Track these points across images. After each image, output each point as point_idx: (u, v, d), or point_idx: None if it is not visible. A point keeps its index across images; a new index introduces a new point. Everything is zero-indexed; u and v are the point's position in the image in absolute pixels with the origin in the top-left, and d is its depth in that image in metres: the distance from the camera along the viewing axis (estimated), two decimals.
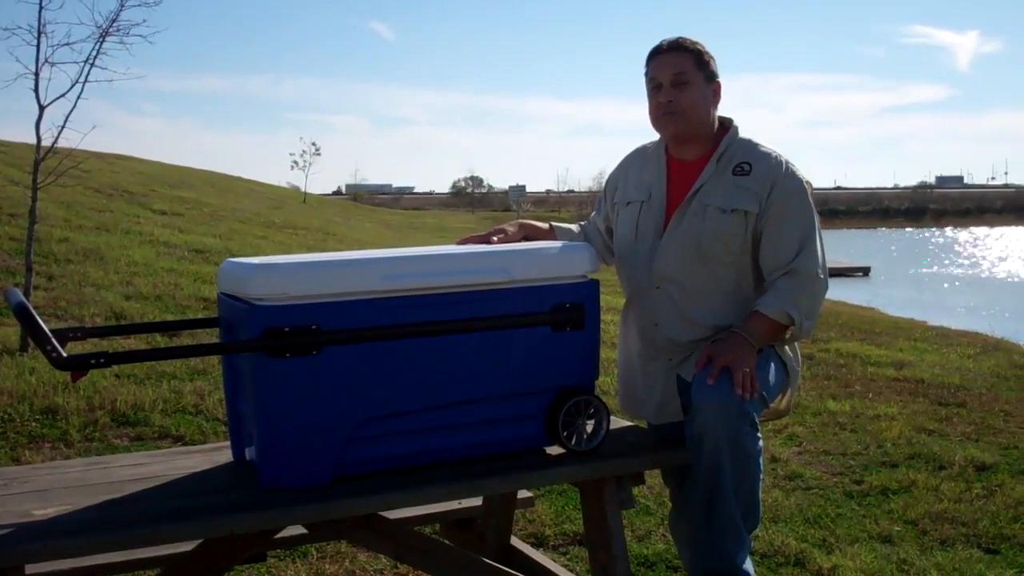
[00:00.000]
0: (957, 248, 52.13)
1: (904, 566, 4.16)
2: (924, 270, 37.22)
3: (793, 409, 3.43)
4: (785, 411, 3.37)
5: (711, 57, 3.25)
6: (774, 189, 3.15)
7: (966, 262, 42.61)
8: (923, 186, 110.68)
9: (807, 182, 3.23)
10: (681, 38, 3.24)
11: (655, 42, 3.28)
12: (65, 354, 2.45)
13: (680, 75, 3.18)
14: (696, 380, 3.02)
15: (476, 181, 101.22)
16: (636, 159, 3.45)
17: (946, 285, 30.79)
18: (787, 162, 3.21)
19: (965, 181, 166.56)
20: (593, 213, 3.63)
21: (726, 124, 3.30)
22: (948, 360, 9.52)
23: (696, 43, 3.24)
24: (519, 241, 3.26)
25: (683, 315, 3.20)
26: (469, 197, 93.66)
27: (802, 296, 3.11)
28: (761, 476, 3.10)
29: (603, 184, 3.62)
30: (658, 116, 3.25)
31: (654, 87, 3.24)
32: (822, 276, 3.16)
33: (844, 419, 6.66)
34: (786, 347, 3.24)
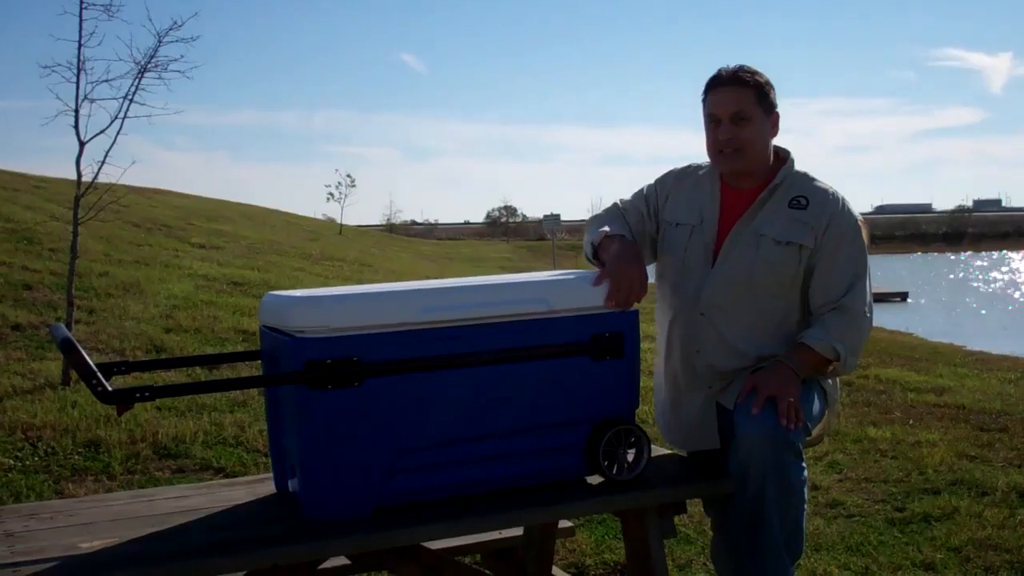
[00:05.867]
0: (996, 273, 51.65)
1: None
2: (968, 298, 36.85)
3: (827, 436, 3.39)
4: (819, 439, 3.36)
5: (771, 87, 3.22)
6: (830, 225, 3.15)
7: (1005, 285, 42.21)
8: (961, 210, 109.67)
9: (862, 220, 3.23)
10: (741, 70, 3.19)
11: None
12: (110, 388, 2.48)
13: (740, 112, 3.16)
14: (739, 409, 3.01)
15: (510, 211, 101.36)
16: (690, 178, 3.39)
17: (983, 311, 30.47)
18: (844, 199, 3.22)
19: (1003, 204, 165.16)
20: (630, 199, 3.45)
21: (782, 155, 3.29)
22: (989, 385, 9.42)
23: (756, 73, 3.20)
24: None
25: (726, 343, 3.19)
26: (504, 227, 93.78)
27: (848, 332, 3.11)
28: (805, 506, 3.08)
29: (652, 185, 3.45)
30: (715, 152, 3.23)
31: (712, 122, 3.21)
32: (868, 315, 3.17)
33: (885, 446, 6.60)
34: (827, 378, 3.24)
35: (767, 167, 3.25)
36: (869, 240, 3.28)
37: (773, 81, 3.23)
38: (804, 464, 3.02)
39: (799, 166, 3.28)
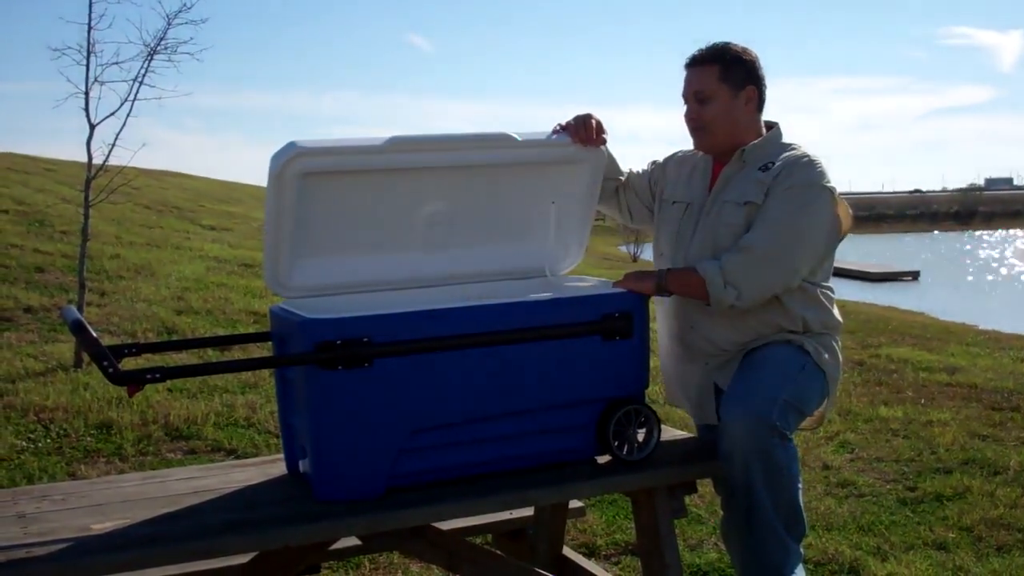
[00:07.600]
0: (1009, 252, 51.41)
1: (960, 573, 4.12)
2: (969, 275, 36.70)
3: (827, 420, 3.33)
4: (821, 420, 3.33)
5: (743, 62, 3.15)
6: (778, 176, 3.07)
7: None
8: (972, 188, 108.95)
9: (828, 187, 3.09)
10: (708, 48, 3.17)
11: (690, 50, 3.20)
12: (121, 369, 2.49)
13: (700, 92, 3.16)
14: (724, 397, 3.03)
15: None
16: (689, 161, 3.39)
17: (994, 286, 30.36)
18: (811, 159, 3.10)
19: (1015, 183, 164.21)
20: (640, 168, 3.53)
21: (772, 128, 3.27)
22: (1001, 364, 9.39)
23: (724, 51, 3.15)
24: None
25: (713, 316, 3.14)
26: None
27: (738, 266, 3.00)
28: (800, 485, 3.07)
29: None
30: (690, 131, 3.25)
31: (684, 101, 3.23)
32: (776, 258, 3.03)
33: (896, 425, 6.60)
34: (825, 355, 3.17)
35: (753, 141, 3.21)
36: (852, 217, 3.21)
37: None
38: (792, 443, 2.99)
39: (811, 146, 3.23)
